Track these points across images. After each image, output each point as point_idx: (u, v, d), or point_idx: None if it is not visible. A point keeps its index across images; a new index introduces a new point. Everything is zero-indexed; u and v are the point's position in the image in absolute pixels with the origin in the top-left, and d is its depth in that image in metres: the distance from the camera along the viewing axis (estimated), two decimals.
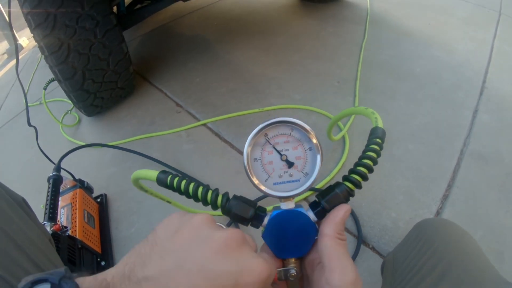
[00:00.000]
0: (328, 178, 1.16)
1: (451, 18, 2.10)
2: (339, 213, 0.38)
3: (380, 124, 0.49)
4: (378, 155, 0.43)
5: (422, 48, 1.82)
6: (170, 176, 0.44)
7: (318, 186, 1.14)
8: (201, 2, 2.51)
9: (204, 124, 1.44)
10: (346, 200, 0.41)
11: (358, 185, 0.42)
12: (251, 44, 1.96)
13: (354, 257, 0.96)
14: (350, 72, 1.66)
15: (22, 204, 0.58)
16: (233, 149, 1.31)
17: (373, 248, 0.98)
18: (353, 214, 1.05)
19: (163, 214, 1.11)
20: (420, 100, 1.47)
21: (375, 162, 0.42)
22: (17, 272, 0.44)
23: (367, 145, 0.44)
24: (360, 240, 0.99)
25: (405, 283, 0.53)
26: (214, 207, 0.43)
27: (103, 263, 0.99)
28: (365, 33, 1.95)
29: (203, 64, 1.81)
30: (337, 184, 0.42)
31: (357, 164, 0.43)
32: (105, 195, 1.19)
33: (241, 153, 1.28)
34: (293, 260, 0.41)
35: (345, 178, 0.42)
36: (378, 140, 0.45)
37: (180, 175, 0.44)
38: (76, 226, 0.95)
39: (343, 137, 1.29)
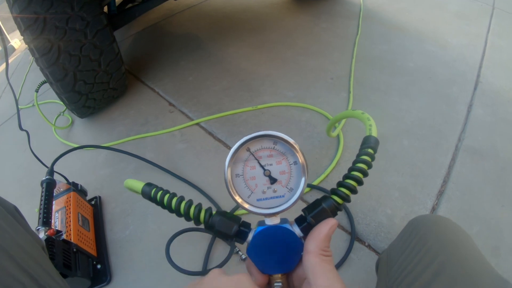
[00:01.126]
0: (322, 176, 1.16)
1: (445, 13, 2.11)
2: (323, 230, 0.37)
3: (374, 133, 0.48)
4: (369, 166, 0.42)
5: (416, 43, 1.81)
6: (154, 189, 0.44)
7: (314, 183, 1.13)
8: (192, 0, 2.50)
9: (198, 124, 1.43)
10: (333, 215, 0.40)
11: (346, 199, 0.40)
12: (244, 41, 1.95)
13: (347, 253, 0.96)
14: (343, 68, 1.66)
15: (14, 213, 0.57)
16: (227, 148, 1.30)
17: (369, 246, 0.98)
18: (346, 210, 1.05)
19: (158, 214, 1.11)
20: (414, 96, 1.46)
21: (365, 174, 0.41)
22: (11, 284, 0.43)
23: (358, 155, 0.43)
24: (354, 236, 0.99)
25: (400, 281, 0.53)
26: (197, 222, 0.42)
27: (99, 266, 0.98)
28: (358, 28, 1.95)
29: (196, 62, 1.80)
30: (324, 198, 0.41)
31: (346, 177, 0.41)
32: (99, 197, 1.18)
33: None
34: (279, 275, 0.40)
35: (333, 191, 0.41)
36: (370, 150, 0.43)
37: (164, 189, 0.44)
38: (70, 230, 0.94)
39: (338, 134, 1.29)
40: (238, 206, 1.06)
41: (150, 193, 0.43)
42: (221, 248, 1.01)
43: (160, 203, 0.43)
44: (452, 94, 1.46)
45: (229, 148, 1.27)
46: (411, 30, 1.93)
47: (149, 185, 0.44)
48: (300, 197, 0.41)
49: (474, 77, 1.56)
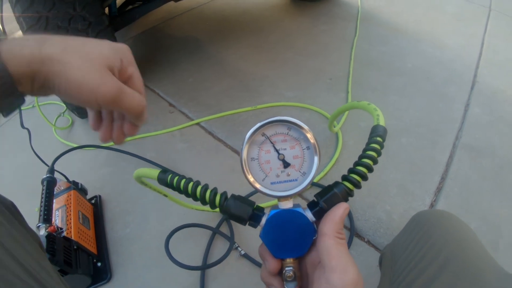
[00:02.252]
0: (322, 174, 1.16)
1: (442, 14, 2.12)
2: (338, 212, 0.38)
3: (382, 122, 0.49)
4: (379, 154, 0.43)
5: (413, 44, 1.83)
6: (170, 175, 0.45)
7: (314, 180, 1.14)
8: (192, 3, 2.51)
9: (198, 124, 1.44)
10: (345, 200, 0.40)
11: (357, 185, 0.41)
12: (243, 42, 1.96)
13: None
14: (342, 69, 1.67)
15: (11, 208, 0.57)
16: (227, 147, 1.31)
17: (368, 242, 0.98)
18: None
19: (158, 213, 1.12)
20: (412, 95, 1.48)
21: (375, 161, 0.42)
22: (6, 276, 0.43)
23: (368, 144, 0.44)
24: (353, 232, 1.00)
25: (404, 277, 0.53)
26: (213, 206, 0.43)
27: (99, 264, 0.98)
28: (356, 30, 1.96)
29: (195, 63, 1.81)
30: (336, 183, 0.41)
31: (357, 164, 0.42)
32: (100, 196, 1.19)
33: (235, 151, 1.28)
34: (291, 260, 0.41)
35: (344, 177, 0.42)
36: (379, 138, 0.44)
37: (179, 174, 0.45)
38: (71, 228, 0.94)
39: (336, 132, 1.30)
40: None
41: (166, 179, 0.45)
42: (221, 244, 1.02)
43: (177, 188, 0.44)
44: (450, 94, 1.47)
45: (230, 147, 1.29)
46: (408, 31, 1.95)
47: (164, 171, 0.46)
48: (313, 180, 0.42)
49: (471, 77, 1.57)
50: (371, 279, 0.90)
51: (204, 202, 0.43)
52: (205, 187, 0.44)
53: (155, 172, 0.47)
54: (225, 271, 0.96)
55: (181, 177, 0.45)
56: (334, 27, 2.04)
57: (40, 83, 0.38)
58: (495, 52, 1.74)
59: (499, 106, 1.40)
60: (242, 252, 0.97)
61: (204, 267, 0.95)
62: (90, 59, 0.39)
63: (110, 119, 0.49)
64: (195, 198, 0.44)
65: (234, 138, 1.34)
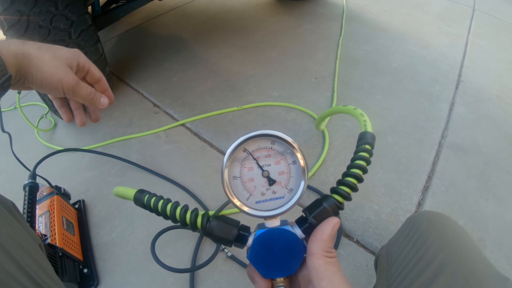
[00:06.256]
0: (309, 174, 1.16)
1: (426, 14, 2.15)
2: (327, 229, 0.36)
3: (369, 128, 0.47)
4: (368, 162, 0.41)
5: (398, 44, 1.84)
6: (147, 196, 0.42)
7: None
8: (176, 1, 2.49)
9: (183, 124, 1.42)
10: (335, 214, 0.38)
11: (347, 198, 0.39)
12: (228, 42, 1.95)
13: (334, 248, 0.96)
14: (327, 68, 1.68)
15: (11, 209, 0.55)
16: (213, 148, 1.30)
17: (357, 242, 0.98)
18: None
19: (144, 216, 1.10)
20: (397, 94, 1.49)
21: (364, 171, 0.40)
22: (4, 279, 0.42)
23: (356, 152, 0.42)
24: (341, 232, 1.00)
25: (401, 279, 0.53)
26: (194, 228, 0.40)
27: (85, 270, 0.96)
28: (341, 29, 1.97)
29: (180, 63, 1.79)
30: (325, 197, 0.39)
31: (345, 174, 0.40)
32: (83, 201, 1.16)
33: (221, 152, 1.27)
34: (281, 279, 0.39)
35: (333, 190, 0.40)
36: (367, 146, 0.42)
37: (157, 194, 0.42)
38: (55, 234, 0.92)
39: (323, 132, 1.30)
40: (224, 205, 1.07)
41: (143, 200, 0.42)
42: (207, 247, 1.01)
43: (154, 210, 0.41)
44: (435, 93, 1.49)
45: (215, 148, 1.28)
46: (393, 31, 1.96)
47: (141, 191, 0.43)
48: (301, 198, 0.39)
49: (456, 76, 1.59)
50: (361, 279, 0.90)
51: (184, 224, 0.40)
52: (185, 208, 0.41)
53: (132, 192, 0.43)
54: (213, 273, 0.95)
55: (159, 197, 0.42)
56: (319, 26, 2.04)
57: (23, 73, 0.49)
58: (479, 52, 1.77)
59: (483, 104, 1.42)
60: (229, 254, 0.97)
61: (190, 270, 0.94)
62: (57, 57, 0.52)
63: (80, 107, 0.63)
64: (174, 220, 0.41)
65: (220, 138, 1.32)
